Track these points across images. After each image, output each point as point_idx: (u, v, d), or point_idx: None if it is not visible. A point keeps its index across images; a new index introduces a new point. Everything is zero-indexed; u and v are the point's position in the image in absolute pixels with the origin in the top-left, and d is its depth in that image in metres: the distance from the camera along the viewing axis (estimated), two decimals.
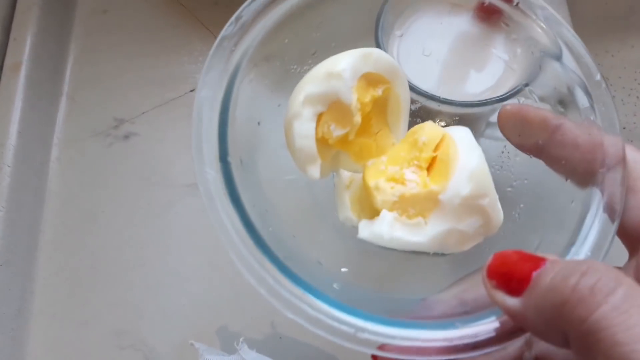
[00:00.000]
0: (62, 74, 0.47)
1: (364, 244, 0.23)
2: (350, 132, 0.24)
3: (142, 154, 0.44)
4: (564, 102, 0.30)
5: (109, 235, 0.42)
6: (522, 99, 0.30)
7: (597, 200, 0.21)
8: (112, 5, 0.49)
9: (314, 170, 0.23)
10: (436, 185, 0.22)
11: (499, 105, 0.30)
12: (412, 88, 0.30)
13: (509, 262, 0.18)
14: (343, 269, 0.24)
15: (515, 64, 0.32)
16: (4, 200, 0.40)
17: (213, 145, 0.22)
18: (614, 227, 0.21)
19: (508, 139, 0.25)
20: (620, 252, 0.22)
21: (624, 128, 0.62)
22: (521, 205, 0.26)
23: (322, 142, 0.23)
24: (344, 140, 0.24)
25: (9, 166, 0.41)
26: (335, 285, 0.22)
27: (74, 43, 0.48)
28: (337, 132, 0.23)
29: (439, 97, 0.29)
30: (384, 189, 0.23)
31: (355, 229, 0.23)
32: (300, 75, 0.24)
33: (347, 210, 0.24)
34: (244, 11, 0.25)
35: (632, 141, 0.60)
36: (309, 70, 0.24)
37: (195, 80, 0.46)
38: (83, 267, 0.41)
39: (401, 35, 0.33)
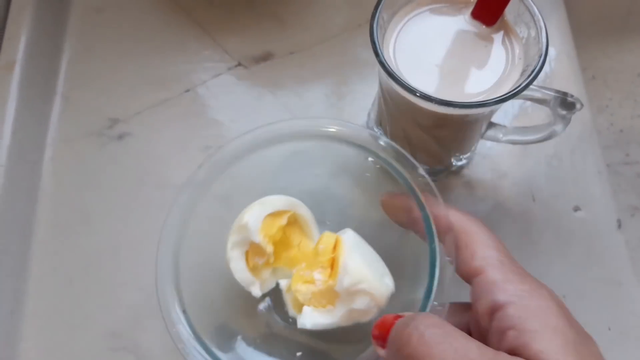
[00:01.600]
0: (57, 73, 0.46)
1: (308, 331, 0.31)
2: (269, 257, 0.33)
3: (136, 154, 0.44)
4: (565, 103, 0.30)
5: (103, 235, 0.41)
6: (521, 101, 0.29)
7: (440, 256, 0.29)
8: (107, 5, 0.49)
9: (255, 290, 0.32)
10: (333, 281, 0.30)
11: (499, 106, 0.30)
12: (408, 89, 0.29)
13: (380, 324, 0.26)
14: (298, 354, 0.34)
15: (515, 63, 0.31)
16: None
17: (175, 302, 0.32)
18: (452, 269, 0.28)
19: (391, 219, 0.33)
20: None
21: (621, 131, 0.62)
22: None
23: (254, 268, 0.33)
24: (268, 261, 0.33)
25: (2, 166, 0.41)
26: None
27: (68, 42, 0.48)
28: (260, 261, 0.33)
29: (436, 97, 0.29)
30: (302, 290, 0.31)
31: (293, 314, 0.33)
32: None
33: (291, 309, 0.33)
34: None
35: (629, 143, 0.60)
36: None
37: (190, 79, 0.46)
38: (76, 268, 0.40)
39: (397, 35, 0.33)
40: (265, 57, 0.47)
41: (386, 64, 0.30)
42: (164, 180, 0.43)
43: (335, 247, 0.32)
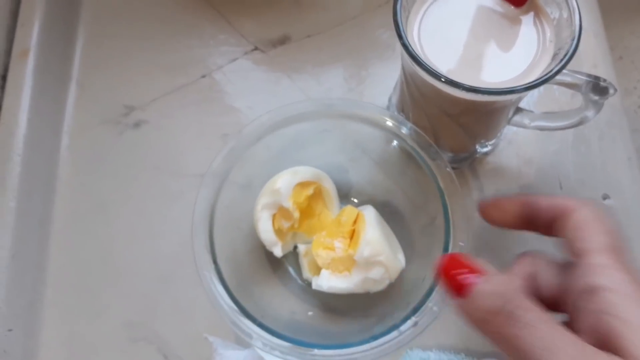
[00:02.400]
0: (71, 59, 0.46)
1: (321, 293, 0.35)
2: (294, 222, 0.35)
3: (152, 143, 0.43)
4: (598, 88, 0.29)
5: (121, 225, 0.41)
6: (554, 86, 0.28)
7: None
8: None
9: (277, 250, 0.35)
10: (352, 250, 0.33)
11: (527, 93, 0.28)
12: (433, 74, 0.28)
13: (454, 266, 0.25)
14: (309, 313, 0.37)
15: (546, 46, 0.30)
16: (15, 190, 0.39)
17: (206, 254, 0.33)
18: None
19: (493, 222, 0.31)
20: None
21: None
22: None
23: (279, 231, 0.35)
24: (293, 226, 0.36)
25: (19, 155, 0.40)
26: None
27: (82, 28, 0.47)
28: (285, 224, 0.35)
29: (463, 84, 0.28)
30: (322, 255, 0.34)
31: (308, 278, 0.37)
32: None
33: (306, 272, 0.37)
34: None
35: None
36: None
37: (206, 65, 0.45)
38: (95, 257, 0.40)
39: (422, 16, 0.32)
40: (282, 41, 0.46)
41: (410, 48, 0.29)
42: (181, 169, 0.42)
43: (356, 221, 0.35)
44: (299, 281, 0.38)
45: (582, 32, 0.28)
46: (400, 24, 0.29)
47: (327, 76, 0.45)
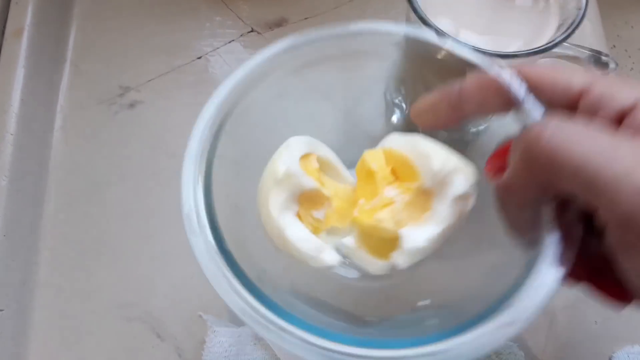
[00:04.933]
0: (66, 40, 0.45)
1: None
2: (330, 203, 0.25)
3: (148, 123, 0.43)
4: (600, 62, 0.29)
5: (115, 205, 0.41)
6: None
7: None
8: None
9: (331, 257, 0.24)
10: (414, 183, 0.24)
11: (534, 58, 0.28)
12: (439, 32, 0.28)
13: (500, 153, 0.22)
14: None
15: (550, 18, 0.30)
16: (7, 170, 0.39)
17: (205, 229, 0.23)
18: None
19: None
20: None
21: None
22: None
23: (316, 229, 0.25)
24: (329, 214, 0.26)
25: (11, 134, 0.40)
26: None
27: (77, 8, 0.46)
28: (319, 214, 0.25)
29: (469, 44, 0.27)
30: (384, 218, 0.24)
31: (381, 268, 0.25)
32: None
33: (371, 262, 0.25)
34: None
35: None
36: None
37: (201, 46, 0.45)
38: (88, 238, 0.40)
39: None
40: (279, 23, 0.46)
41: (419, 10, 0.29)
42: (176, 149, 0.42)
43: (389, 158, 0.26)
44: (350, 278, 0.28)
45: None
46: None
47: None
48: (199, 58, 0.45)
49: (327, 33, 0.26)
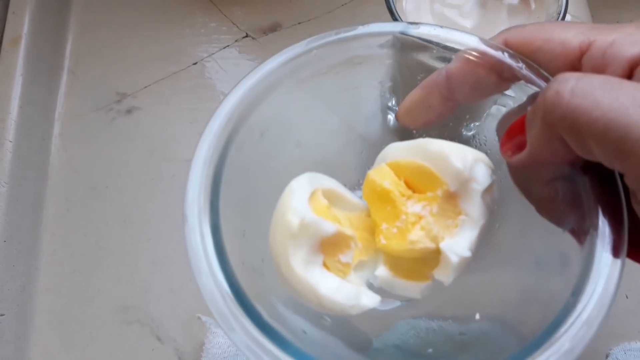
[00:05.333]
0: (63, 47, 0.46)
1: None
2: (356, 243, 0.23)
3: (145, 129, 0.43)
4: None
5: (113, 210, 0.41)
6: None
7: None
8: None
9: (368, 300, 0.22)
10: (437, 190, 0.22)
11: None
12: (424, 40, 0.28)
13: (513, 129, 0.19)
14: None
15: (537, 16, 0.30)
16: (6, 176, 0.39)
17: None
18: None
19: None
20: None
21: None
22: None
23: (345, 273, 0.23)
24: (358, 253, 0.23)
25: (10, 141, 0.40)
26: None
27: (74, 16, 0.47)
28: (347, 257, 0.23)
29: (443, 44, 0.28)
30: (420, 238, 0.22)
31: (424, 290, 0.24)
32: None
33: (405, 287, 0.24)
34: None
35: None
36: None
37: (197, 52, 0.46)
38: (87, 242, 0.40)
39: None
40: (273, 28, 0.46)
41: (396, 14, 0.29)
42: (173, 154, 0.42)
43: (399, 171, 0.23)
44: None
45: (570, 19, 0.28)
46: (393, 8, 0.30)
47: None
48: (195, 64, 0.45)
49: (326, 40, 0.26)
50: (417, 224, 0.22)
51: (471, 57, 0.21)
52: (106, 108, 0.44)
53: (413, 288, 0.23)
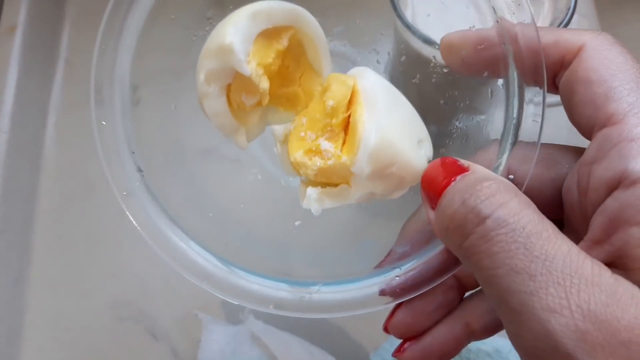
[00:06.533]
0: (59, 37, 0.45)
1: None
2: (262, 97, 0.23)
3: None
4: None
5: (109, 203, 0.40)
6: None
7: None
8: None
9: (240, 140, 0.23)
10: (347, 157, 0.22)
11: None
12: (428, 42, 0.28)
13: (433, 174, 0.19)
14: (296, 222, 0.25)
15: (544, 12, 0.30)
16: (0, 168, 0.39)
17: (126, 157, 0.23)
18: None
19: (451, 67, 0.24)
20: None
21: None
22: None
23: (239, 110, 0.23)
24: (260, 103, 0.23)
25: (4, 132, 0.39)
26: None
27: (70, 5, 0.46)
28: (249, 101, 0.23)
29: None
30: (305, 163, 0.22)
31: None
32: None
33: (286, 166, 0.24)
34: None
35: None
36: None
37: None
38: (81, 236, 0.39)
39: None
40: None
41: (403, 17, 0.29)
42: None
43: (350, 101, 0.22)
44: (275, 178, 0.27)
45: (578, 17, 0.28)
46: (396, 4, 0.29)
47: None
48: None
49: None
50: (313, 155, 0.22)
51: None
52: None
53: (287, 164, 0.24)
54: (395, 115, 0.22)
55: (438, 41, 0.28)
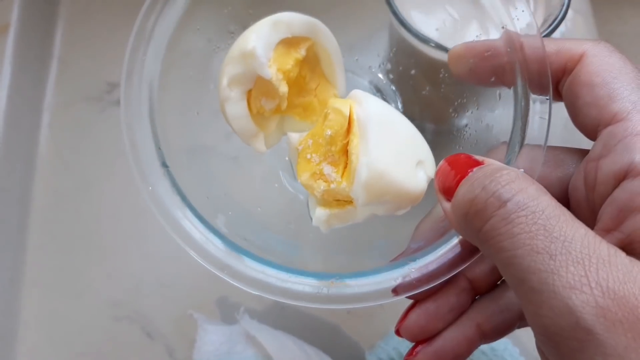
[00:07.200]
0: (53, 35, 0.45)
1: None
2: (281, 101, 0.24)
3: None
4: None
5: (103, 203, 0.40)
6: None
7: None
8: None
9: (259, 145, 0.25)
10: (346, 183, 0.23)
11: None
12: (419, 37, 0.28)
13: (449, 169, 0.20)
14: (313, 223, 0.25)
15: (538, 8, 0.30)
16: None
17: (151, 153, 0.24)
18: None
19: (459, 77, 0.25)
20: None
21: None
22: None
23: (259, 115, 0.24)
24: (279, 107, 0.25)
25: None
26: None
27: (64, 3, 0.46)
28: (268, 105, 0.24)
29: (436, 42, 0.27)
30: (311, 185, 0.24)
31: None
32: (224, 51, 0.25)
33: (297, 172, 0.25)
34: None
35: None
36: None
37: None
38: (76, 236, 0.39)
39: None
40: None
41: (399, 14, 0.28)
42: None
43: (348, 129, 0.23)
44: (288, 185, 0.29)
45: (573, 14, 0.28)
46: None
47: None
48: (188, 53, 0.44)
49: None
50: (319, 179, 0.24)
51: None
52: (96, 98, 0.43)
53: (296, 169, 0.25)
54: (390, 144, 0.22)
55: (434, 38, 0.28)
